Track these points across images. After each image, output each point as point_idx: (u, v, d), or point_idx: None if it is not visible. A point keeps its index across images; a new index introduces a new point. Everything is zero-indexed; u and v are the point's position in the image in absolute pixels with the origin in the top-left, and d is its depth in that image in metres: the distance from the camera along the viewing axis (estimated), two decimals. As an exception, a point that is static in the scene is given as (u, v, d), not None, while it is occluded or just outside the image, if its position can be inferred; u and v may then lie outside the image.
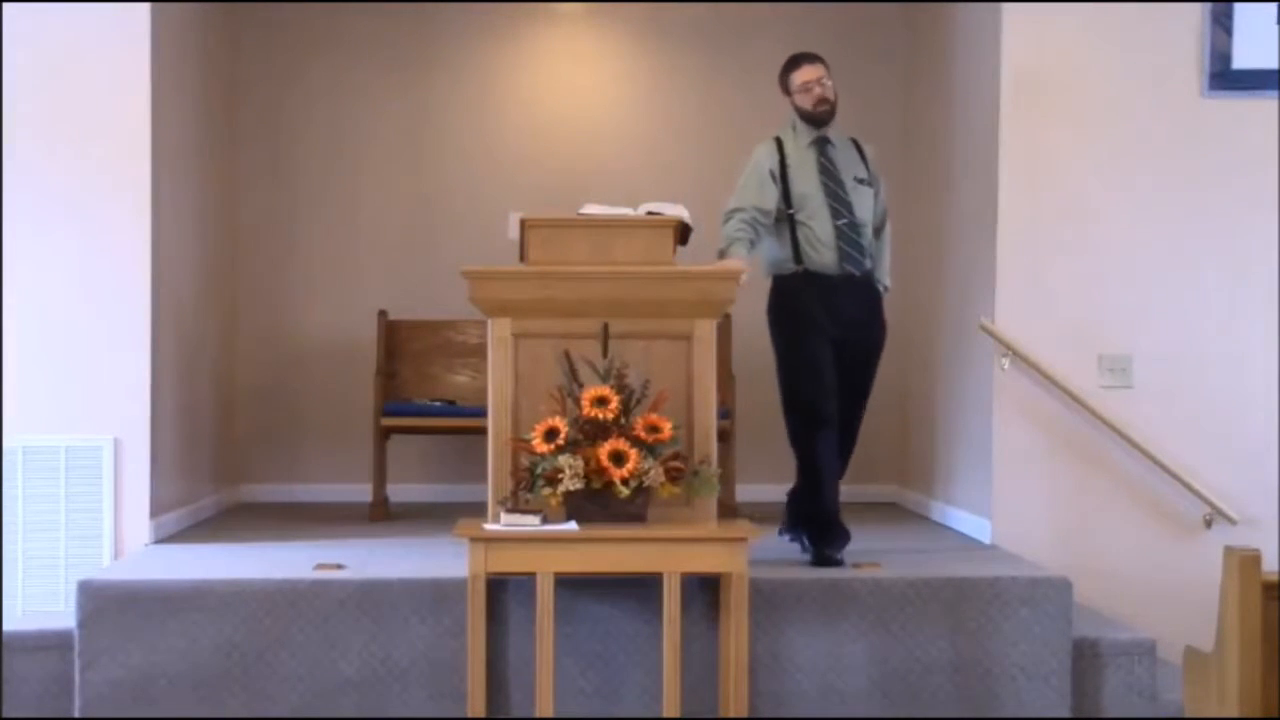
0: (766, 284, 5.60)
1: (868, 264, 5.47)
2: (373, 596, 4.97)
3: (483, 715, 4.72)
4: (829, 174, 5.46)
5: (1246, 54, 6.05)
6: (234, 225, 7.59)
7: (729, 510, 6.18)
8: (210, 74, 7.03)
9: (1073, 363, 6.05)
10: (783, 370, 5.50)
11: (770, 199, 5.41)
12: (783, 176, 5.43)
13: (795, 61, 5.55)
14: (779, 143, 5.50)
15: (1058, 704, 5.02)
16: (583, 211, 5.15)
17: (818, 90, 5.47)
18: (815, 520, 5.41)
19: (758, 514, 5.70)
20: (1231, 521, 5.97)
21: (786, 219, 5.44)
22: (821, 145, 5.50)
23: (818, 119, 5.49)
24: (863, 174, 5.53)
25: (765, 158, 5.47)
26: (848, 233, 5.41)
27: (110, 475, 5.76)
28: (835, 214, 5.41)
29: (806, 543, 5.44)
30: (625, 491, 4.62)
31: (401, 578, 5.03)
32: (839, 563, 5.30)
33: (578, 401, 4.72)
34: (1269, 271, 6.07)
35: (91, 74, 5.79)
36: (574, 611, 4.91)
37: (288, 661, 4.93)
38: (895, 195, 6.02)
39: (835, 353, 5.42)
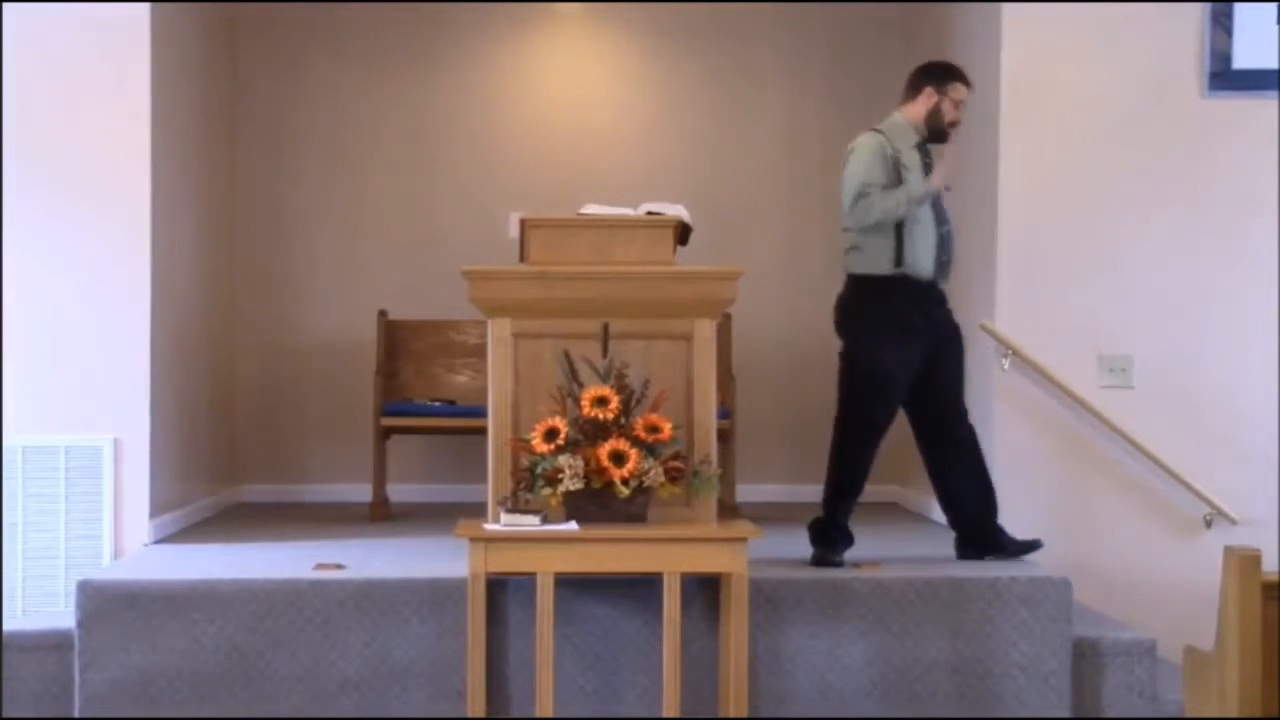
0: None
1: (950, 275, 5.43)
2: (373, 596, 4.97)
3: (483, 715, 4.71)
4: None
5: (1246, 54, 6.05)
6: (234, 225, 7.58)
7: (729, 510, 6.18)
8: (210, 73, 7.03)
9: (1073, 363, 6.05)
10: (850, 375, 5.33)
11: (884, 176, 5.25)
12: (896, 169, 5.28)
13: (960, 74, 5.43)
14: (884, 135, 5.34)
15: (1058, 704, 5.02)
16: (583, 211, 5.15)
17: (961, 114, 5.40)
18: (819, 521, 5.40)
19: (758, 514, 5.70)
20: (1232, 521, 5.97)
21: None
22: (923, 150, 5.38)
23: (940, 136, 5.39)
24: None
25: (880, 145, 5.29)
26: (948, 240, 5.34)
27: (110, 475, 5.76)
28: (939, 219, 5.33)
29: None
30: (625, 491, 4.62)
31: (401, 578, 5.03)
32: (838, 564, 5.30)
33: (578, 401, 4.72)
34: (1269, 271, 6.07)
35: (91, 74, 5.79)
36: (574, 612, 4.91)
37: (288, 661, 4.93)
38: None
39: (930, 363, 5.32)
